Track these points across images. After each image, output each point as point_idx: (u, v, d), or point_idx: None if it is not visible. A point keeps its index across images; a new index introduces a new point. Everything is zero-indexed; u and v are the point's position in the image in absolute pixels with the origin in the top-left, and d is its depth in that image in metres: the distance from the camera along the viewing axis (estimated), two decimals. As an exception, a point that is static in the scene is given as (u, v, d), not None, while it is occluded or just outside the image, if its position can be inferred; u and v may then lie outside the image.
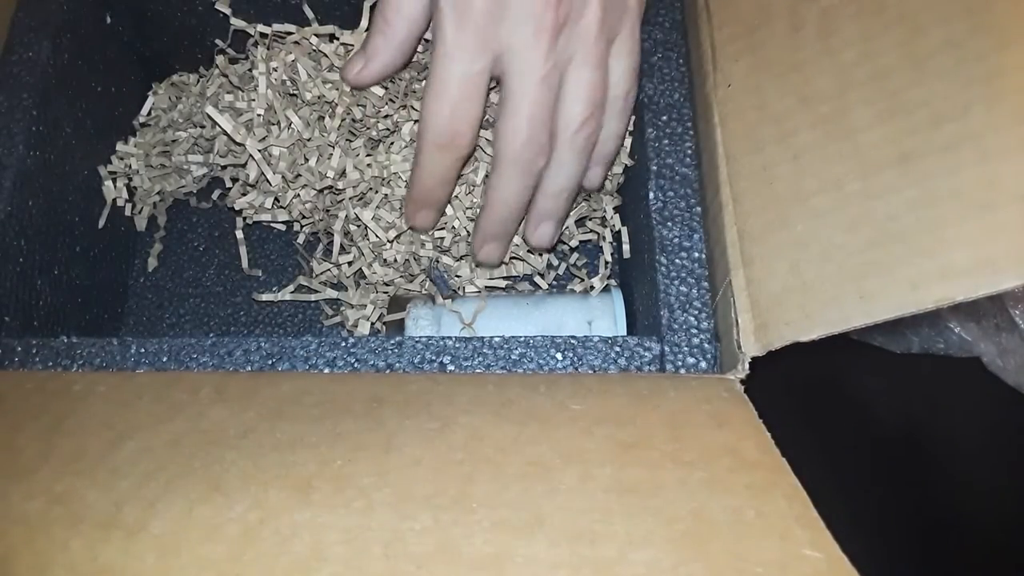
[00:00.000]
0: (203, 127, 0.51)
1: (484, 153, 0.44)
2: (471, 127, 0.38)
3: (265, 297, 0.52)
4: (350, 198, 0.47)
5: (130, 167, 0.52)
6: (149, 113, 0.55)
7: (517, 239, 0.47)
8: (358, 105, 0.46)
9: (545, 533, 0.24)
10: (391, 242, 0.48)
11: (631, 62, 0.40)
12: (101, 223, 0.51)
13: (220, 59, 0.50)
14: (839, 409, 0.54)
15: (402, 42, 0.40)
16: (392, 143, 0.47)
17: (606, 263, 0.49)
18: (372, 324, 0.49)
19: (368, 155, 0.47)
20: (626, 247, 0.48)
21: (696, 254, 0.39)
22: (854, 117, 0.34)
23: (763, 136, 0.36)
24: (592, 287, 0.48)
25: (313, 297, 0.51)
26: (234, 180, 0.51)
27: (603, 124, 0.41)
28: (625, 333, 0.45)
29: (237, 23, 0.50)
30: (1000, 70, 0.30)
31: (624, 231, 0.49)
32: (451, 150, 0.39)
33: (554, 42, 0.36)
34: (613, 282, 0.49)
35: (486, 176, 0.44)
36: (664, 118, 0.42)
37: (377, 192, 0.47)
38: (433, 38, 0.37)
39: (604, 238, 0.50)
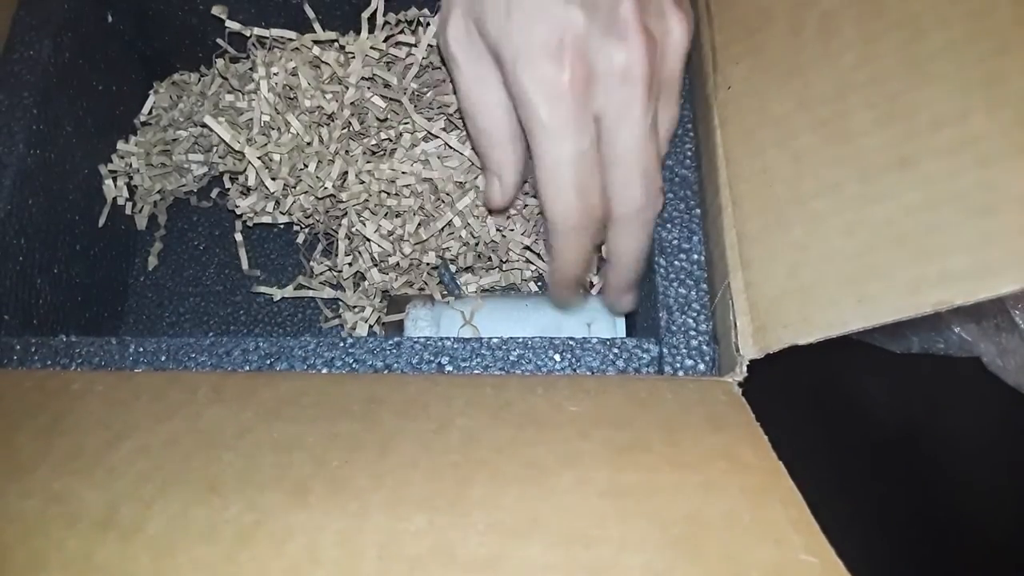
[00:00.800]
0: (204, 126, 0.51)
1: None
2: (599, 197, 0.36)
3: (262, 289, 0.52)
4: (353, 207, 0.47)
5: (130, 166, 0.52)
6: (150, 112, 0.55)
7: (516, 239, 0.47)
8: (356, 116, 0.46)
9: (540, 536, 0.24)
10: (392, 254, 0.48)
11: (673, 108, 0.40)
12: (101, 222, 0.51)
13: (219, 62, 0.50)
14: (839, 409, 0.54)
15: (509, 140, 0.39)
16: (395, 150, 0.47)
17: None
18: (370, 326, 0.49)
19: (368, 163, 0.47)
20: None
21: (695, 256, 0.39)
22: (854, 120, 0.34)
23: (763, 139, 0.36)
24: (592, 283, 0.48)
25: (311, 293, 0.51)
26: (233, 180, 0.51)
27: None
28: (624, 326, 0.45)
29: (233, 26, 0.50)
30: (1000, 74, 0.30)
31: None
32: (588, 227, 0.37)
33: (649, 92, 0.35)
34: None
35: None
36: (664, 120, 0.42)
37: (381, 205, 0.47)
38: (528, 126, 0.35)
39: None
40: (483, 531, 0.24)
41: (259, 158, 0.47)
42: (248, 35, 0.49)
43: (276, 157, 0.47)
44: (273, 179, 0.47)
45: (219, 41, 0.51)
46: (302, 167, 0.47)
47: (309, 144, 0.47)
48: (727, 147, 0.38)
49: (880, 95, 0.33)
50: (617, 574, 0.23)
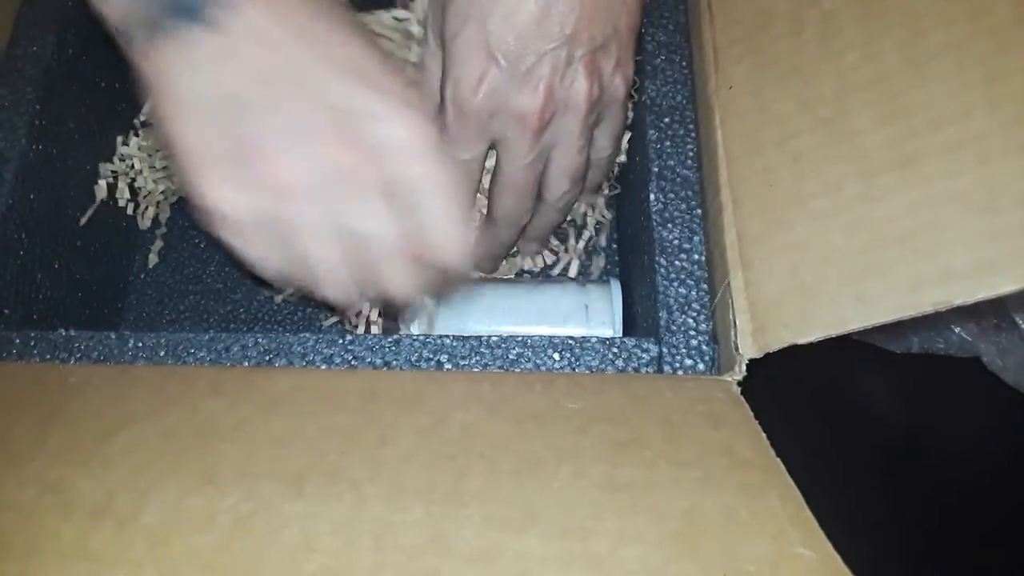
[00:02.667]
0: None
1: None
2: (469, 197, 0.44)
3: (267, 292, 0.52)
4: None
5: (132, 167, 0.52)
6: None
7: None
8: None
9: (537, 528, 0.24)
10: None
11: (615, 134, 0.45)
12: (83, 220, 0.50)
13: None
14: (839, 409, 0.54)
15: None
16: None
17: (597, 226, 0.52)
18: (370, 321, 0.49)
19: None
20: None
21: (696, 256, 0.39)
22: (855, 120, 0.34)
23: (764, 138, 0.36)
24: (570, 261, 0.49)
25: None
26: None
27: (586, 180, 0.47)
28: (620, 321, 0.45)
29: None
30: (1001, 73, 0.30)
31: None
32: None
33: (538, 137, 0.40)
34: (615, 280, 0.49)
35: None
36: (666, 120, 0.42)
37: None
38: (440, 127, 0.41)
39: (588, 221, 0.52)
40: (480, 523, 0.24)
41: None
42: None
43: None
44: None
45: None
46: None
47: None
48: (728, 147, 0.38)
49: (881, 94, 0.33)
50: (614, 567, 0.23)
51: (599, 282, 0.47)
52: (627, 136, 0.49)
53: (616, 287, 0.46)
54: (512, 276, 0.52)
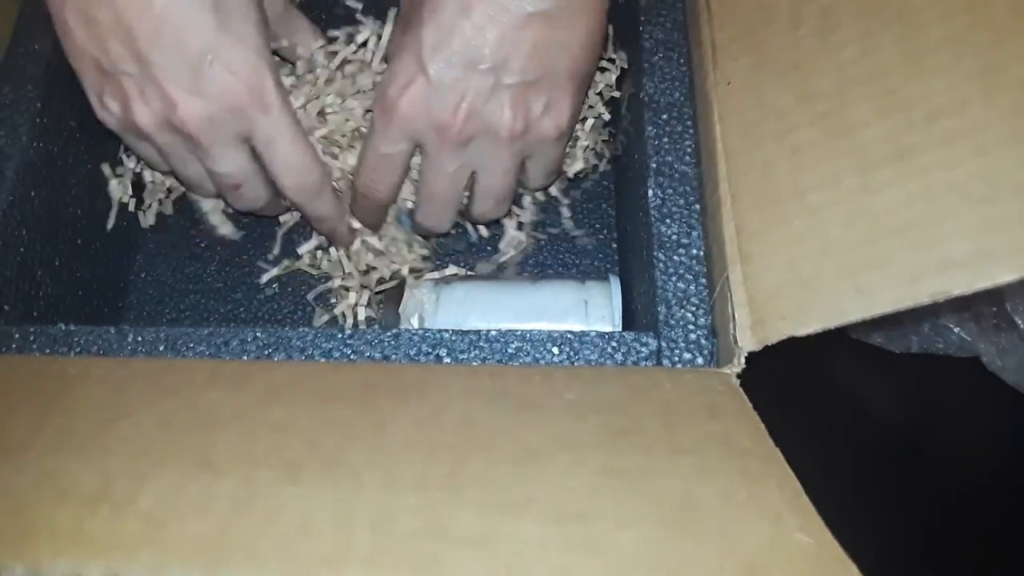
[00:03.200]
0: None
1: None
2: (386, 187, 0.46)
3: (264, 276, 0.53)
4: None
5: (138, 162, 0.53)
6: None
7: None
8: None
9: (534, 513, 0.24)
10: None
11: (547, 169, 0.47)
12: (110, 224, 0.52)
13: None
14: (838, 409, 0.54)
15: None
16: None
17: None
18: (359, 307, 0.49)
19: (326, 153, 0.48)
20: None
21: (694, 251, 0.39)
22: (853, 113, 0.34)
23: (762, 133, 0.36)
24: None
25: (302, 262, 0.52)
26: None
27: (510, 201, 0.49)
28: (620, 317, 0.45)
29: None
30: (998, 65, 0.30)
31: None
32: (369, 200, 0.47)
33: (458, 151, 0.43)
34: (614, 276, 0.49)
35: None
36: (664, 116, 0.42)
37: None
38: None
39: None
40: (477, 508, 0.24)
41: None
42: None
43: None
44: None
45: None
46: None
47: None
48: (726, 142, 0.38)
49: (879, 88, 0.33)
50: (611, 550, 0.23)
51: (599, 278, 0.47)
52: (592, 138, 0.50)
53: (615, 283, 0.46)
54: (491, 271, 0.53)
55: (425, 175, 0.45)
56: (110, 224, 0.51)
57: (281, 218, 0.53)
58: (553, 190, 0.54)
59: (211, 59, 0.40)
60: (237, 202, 0.47)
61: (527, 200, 0.54)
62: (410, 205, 0.49)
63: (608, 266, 0.53)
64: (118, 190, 0.52)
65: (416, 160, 0.46)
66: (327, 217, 0.48)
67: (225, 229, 0.56)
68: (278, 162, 0.44)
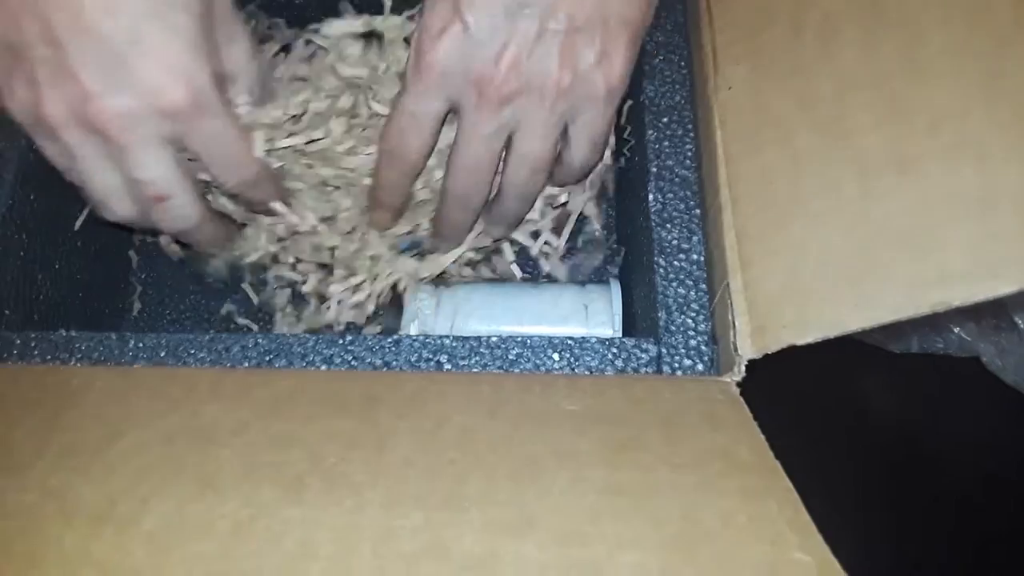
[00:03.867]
0: None
1: None
2: (415, 151, 0.42)
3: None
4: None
5: None
6: None
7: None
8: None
9: (535, 534, 0.24)
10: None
11: (592, 140, 0.42)
12: (78, 224, 0.50)
13: None
14: (838, 409, 0.54)
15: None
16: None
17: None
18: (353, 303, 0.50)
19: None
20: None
21: (695, 256, 0.39)
22: (854, 120, 0.34)
23: (763, 139, 0.36)
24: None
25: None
26: None
27: (557, 173, 0.45)
28: (620, 322, 0.45)
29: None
30: (1000, 72, 0.30)
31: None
32: (396, 165, 0.43)
33: (497, 110, 0.39)
34: (615, 280, 0.49)
35: None
36: (665, 120, 0.42)
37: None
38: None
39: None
40: (479, 529, 0.24)
41: None
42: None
43: None
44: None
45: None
46: None
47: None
48: (727, 147, 0.38)
49: (880, 95, 0.33)
50: (612, 573, 0.23)
51: (599, 282, 0.47)
52: (612, 143, 0.49)
53: (616, 288, 0.46)
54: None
55: (459, 140, 0.40)
56: (78, 223, 0.50)
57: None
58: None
59: (139, 50, 0.36)
60: (161, 220, 0.42)
61: (541, 208, 0.51)
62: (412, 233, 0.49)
63: (607, 266, 0.53)
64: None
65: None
66: (267, 200, 0.45)
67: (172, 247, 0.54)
68: (215, 163, 0.40)
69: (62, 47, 0.35)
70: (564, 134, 0.41)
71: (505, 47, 0.37)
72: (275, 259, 0.51)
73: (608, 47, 0.38)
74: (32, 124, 0.38)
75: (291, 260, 0.51)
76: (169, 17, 0.37)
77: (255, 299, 0.52)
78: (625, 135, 0.48)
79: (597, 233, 0.53)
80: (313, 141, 0.46)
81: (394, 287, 0.49)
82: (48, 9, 0.35)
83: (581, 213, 0.52)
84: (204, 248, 0.47)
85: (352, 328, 0.51)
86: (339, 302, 0.50)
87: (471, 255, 0.50)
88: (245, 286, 0.53)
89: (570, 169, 0.44)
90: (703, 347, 0.37)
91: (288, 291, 0.52)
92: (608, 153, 0.49)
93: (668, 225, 0.40)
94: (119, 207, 0.41)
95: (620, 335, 0.45)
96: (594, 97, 0.39)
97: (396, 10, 0.48)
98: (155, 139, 0.38)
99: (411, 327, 0.45)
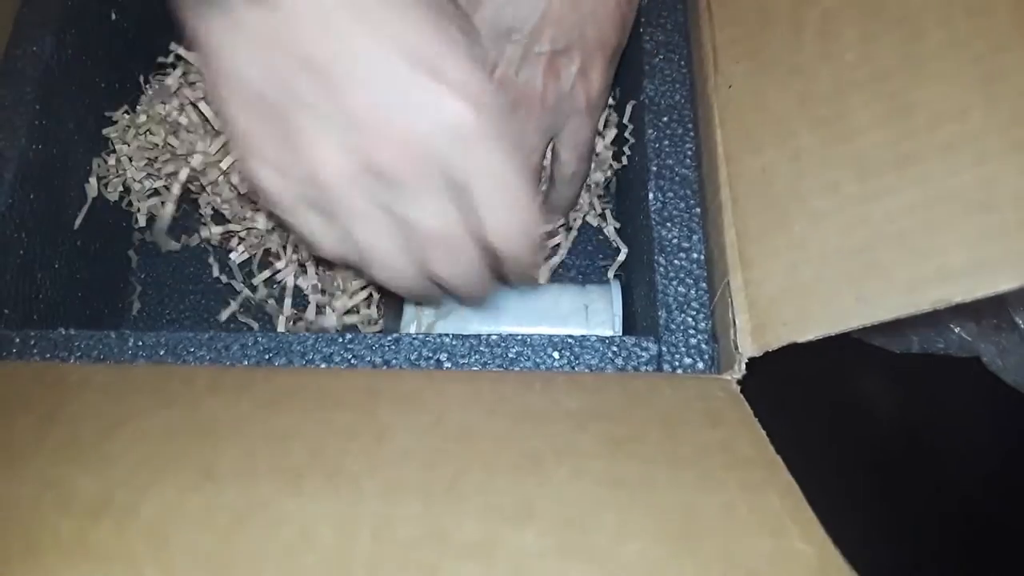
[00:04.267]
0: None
1: None
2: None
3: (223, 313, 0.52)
4: None
5: (119, 163, 0.52)
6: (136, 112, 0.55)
7: None
8: None
9: (535, 522, 0.24)
10: None
11: (577, 151, 0.44)
12: (77, 223, 0.50)
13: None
14: (839, 409, 0.54)
15: None
16: None
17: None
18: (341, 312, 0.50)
19: None
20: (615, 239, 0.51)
21: (695, 255, 0.39)
22: (854, 119, 0.34)
23: (763, 137, 0.36)
24: None
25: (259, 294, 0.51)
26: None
27: (550, 193, 0.47)
28: (621, 322, 0.45)
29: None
30: (1000, 72, 0.30)
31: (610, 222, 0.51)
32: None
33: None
34: (615, 281, 0.49)
35: None
36: (665, 119, 0.42)
37: None
38: None
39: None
40: (478, 517, 0.24)
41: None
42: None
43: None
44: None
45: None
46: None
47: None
48: (727, 146, 0.38)
49: (880, 94, 0.33)
50: (611, 562, 0.23)
51: (599, 282, 0.47)
52: (608, 148, 0.50)
53: (616, 288, 0.46)
54: None
55: None
56: (77, 222, 0.50)
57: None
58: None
59: (427, 75, 0.31)
60: (444, 274, 0.36)
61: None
62: None
63: (607, 264, 0.53)
64: (93, 190, 0.51)
65: None
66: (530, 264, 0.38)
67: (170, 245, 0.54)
68: (494, 205, 0.34)
69: (337, 93, 0.31)
70: (552, 151, 0.44)
71: (494, 68, 0.40)
72: (276, 256, 0.51)
73: (587, 66, 0.41)
74: (289, 192, 0.34)
75: (293, 258, 0.51)
76: (449, 29, 0.33)
77: (255, 297, 0.52)
78: (625, 134, 0.48)
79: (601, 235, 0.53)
80: None
81: None
82: (318, 54, 0.31)
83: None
84: (470, 301, 0.42)
85: (352, 329, 0.51)
86: (340, 302, 0.50)
87: None
88: (237, 283, 0.53)
89: (562, 183, 0.46)
90: (703, 345, 0.37)
91: (290, 291, 0.52)
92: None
93: (668, 224, 0.40)
94: (405, 271, 0.36)
95: (620, 335, 0.45)
96: (577, 110, 0.42)
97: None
98: (441, 177, 0.33)
99: (411, 328, 0.45)
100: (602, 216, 0.53)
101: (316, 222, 0.34)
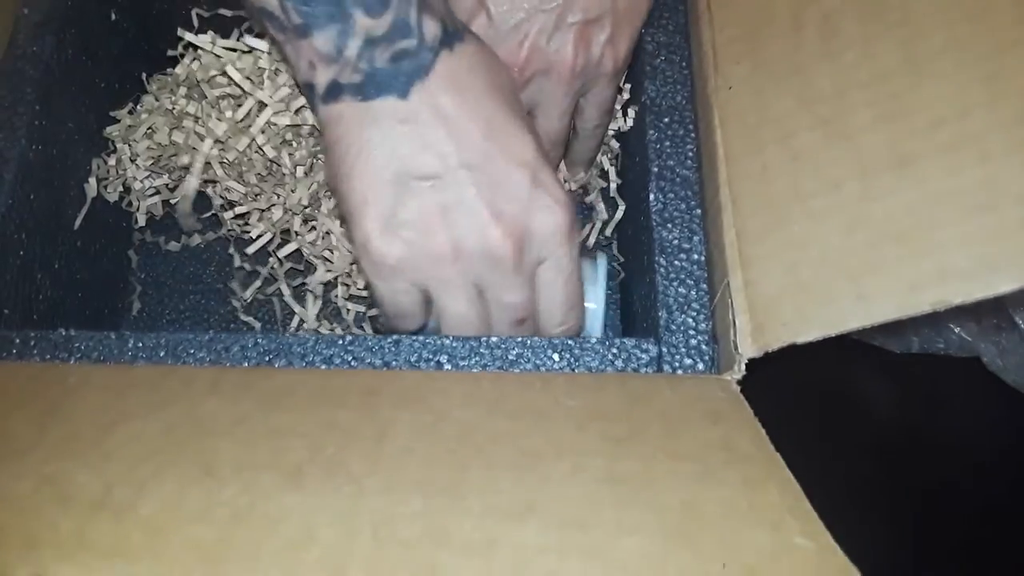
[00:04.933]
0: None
1: None
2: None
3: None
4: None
5: (119, 162, 0.52)
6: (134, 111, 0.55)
7: None
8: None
9: (535, 520, 0.24)
10: None
11: (602, 107, 0.46)
12: (77, 223, 0.50)
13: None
14: (838, 409, 0.54)
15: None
16: None
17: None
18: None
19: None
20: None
21: (695, 256, 0.39)
22: (854, 119, 0.34)
23: (763, 138, 0.36)
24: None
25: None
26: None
27: (573, 145, 0.49)
28: (604, 296, 0.46)
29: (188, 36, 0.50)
30: (1000, 72, 0.30)
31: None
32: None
33: (519, 89, 0.42)
34: (602, 253, 0.49)
35: None
36: (666, 120, 0.42)
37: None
38: None
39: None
40: (478, 514, 0.24)
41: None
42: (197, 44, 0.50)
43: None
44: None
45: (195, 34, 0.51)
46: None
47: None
48: (727, 146, 0.38)
49: (880, 93, 0.33)
50: (612, 558, 0.23)
51: (586, 256, 0.47)
52: (625, 125, 0.49)
53: (603, 262, 0.46)
54: None
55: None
56: (77, 223, 0.50)
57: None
58: None
59: (536, 174, 0.37)
60: (505, 329, 0.40)
61: None
62: None
63: (609, 266, 0.53)
64: (93, 189, 0.51)
65: None
66: None
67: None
68: (559, 297, 0.40)
69: (475, 169, 0.36)
70: (576, 108, 0.45)
71: (526, 36, 0.41)
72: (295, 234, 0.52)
73: (615, 33, 0.42)
74: (406, 263, 0.37)
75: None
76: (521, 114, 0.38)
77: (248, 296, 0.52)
78: (624, 129, 0.49)
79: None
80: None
81: None
82: (472, 129, 0.36)
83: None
84: None
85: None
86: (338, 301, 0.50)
87: None
88: (234, 285, 0.53)
89: (585, 136, 0.48)
90: (704, 346, 0.37)
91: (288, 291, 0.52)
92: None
93: (669, 225, 0.40)
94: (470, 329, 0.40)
95: (603, 307, 0.46)
96: (604, 75, 0.44)
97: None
98: (532, 265, 0.38)
99: None
100: (602, 174, 0.53)
101: (401, 287, 0.38)
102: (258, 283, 0.53)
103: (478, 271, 0.37)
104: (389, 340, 0.38)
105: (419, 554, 0.23)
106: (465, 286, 0.38)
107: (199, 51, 0.50)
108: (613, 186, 0.52)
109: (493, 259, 0.37)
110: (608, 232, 0.53)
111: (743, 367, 0.34)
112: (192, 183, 0.50)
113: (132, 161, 0.52)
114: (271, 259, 0.52)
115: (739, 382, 0.34)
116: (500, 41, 0.41)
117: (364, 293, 0.50)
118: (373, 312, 0.50)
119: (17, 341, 0.39)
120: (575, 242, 0.39)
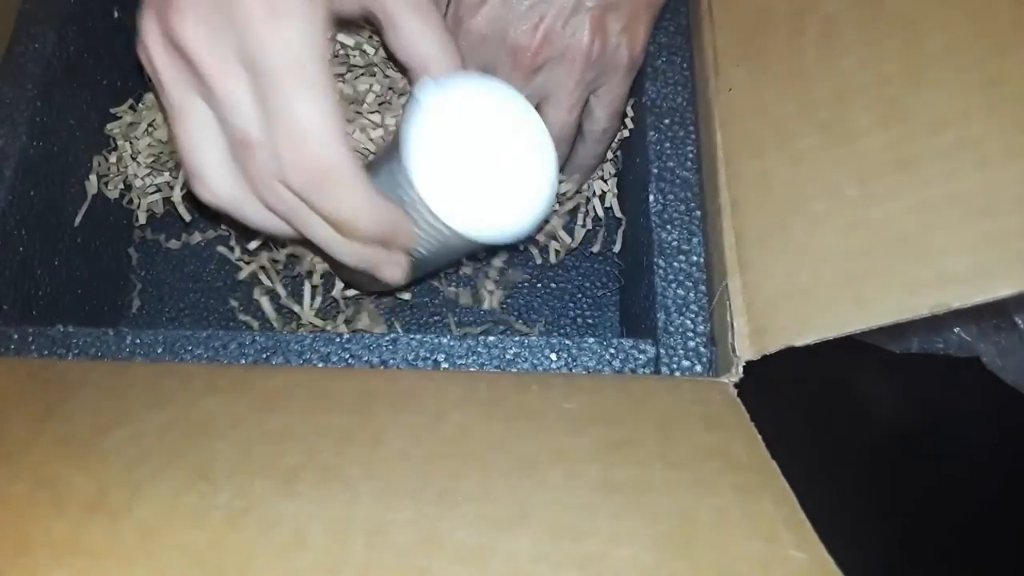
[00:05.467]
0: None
1: None
2: None
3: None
4: None
5: (120, 159, 0.52)
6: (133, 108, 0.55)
7: None
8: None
9: (529, 528, 0.24)
10: None
11: (613, 107, 0.45)
12: (77, 220, 0.50)
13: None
14: (838, 409, 0.54)
15: None
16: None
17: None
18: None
19: None
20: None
21: (695, 258, 0.39)
22: (854, 123, 0.34)
23: (763, 141, 0.36)
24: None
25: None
26: None
27: (578, 149, 0.47)
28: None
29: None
30: (1000, 77, 0.30)
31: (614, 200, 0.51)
32: None
33: (530, 77, 0.41)
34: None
35: None
36: (666, 121, 0.42)
37: None
38: None
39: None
40: (472, 522, 0.24)
41: None
42: None
43: None
44: None
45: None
46: None
47: None
48: (727, 149, 0.38)
49: (880, 98, 0.33)
50: (606, 567, 0.23)
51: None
52: (628, 128, 0.49)
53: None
54: None
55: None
56: (77, 220, 0.50)
57: None
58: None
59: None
60: (248, 165, 0.33)
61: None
62: None
63: (608, 267, 0.53)
64: (93, 187, 0.51)
65: None
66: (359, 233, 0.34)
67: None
68: (285, 122, 0.31)
69: None
70: (586, 105, 0.44)
71: (541, 19, 0.40)
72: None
73: (632, 23, 0.41)
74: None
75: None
76: None
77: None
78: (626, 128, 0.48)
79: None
80: None
81: None
82: None
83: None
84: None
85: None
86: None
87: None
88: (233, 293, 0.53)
89: (591, 140, 0.46)
90: (702, 348, 0.37)
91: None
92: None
93: (668, 226, 0.40)
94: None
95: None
96: (618, 67, 0.42)
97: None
98: (234, 60, 0.32)
99: None
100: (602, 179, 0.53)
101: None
102: (253, 275, 0.53)
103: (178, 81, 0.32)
104: (386, 339, 0.38)
105: (412, 561, 0.23)
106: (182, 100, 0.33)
107: None
108: (612, 193, 0.52)
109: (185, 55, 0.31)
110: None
111: (740, 370, 0.34)
112: None
113: (133, 158, 0.51)
114: (270, 253, 0.51)
115: (736, 385, 0.34)
116: (515, 22, 0.40)
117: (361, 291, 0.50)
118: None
119: (15, 337, 0.39)
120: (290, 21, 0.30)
